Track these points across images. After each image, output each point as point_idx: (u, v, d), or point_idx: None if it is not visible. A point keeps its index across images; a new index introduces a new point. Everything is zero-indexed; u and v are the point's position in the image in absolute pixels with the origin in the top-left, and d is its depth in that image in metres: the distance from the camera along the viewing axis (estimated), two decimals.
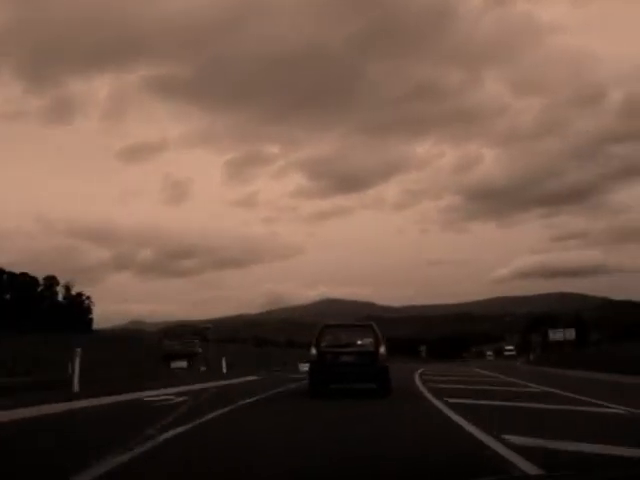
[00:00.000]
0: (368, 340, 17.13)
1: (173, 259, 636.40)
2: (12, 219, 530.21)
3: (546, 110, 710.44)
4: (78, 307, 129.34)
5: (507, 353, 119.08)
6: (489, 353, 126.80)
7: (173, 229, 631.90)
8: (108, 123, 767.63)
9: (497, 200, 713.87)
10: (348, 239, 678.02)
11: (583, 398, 14.91)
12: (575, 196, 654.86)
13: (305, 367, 26.74)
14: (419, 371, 39.46)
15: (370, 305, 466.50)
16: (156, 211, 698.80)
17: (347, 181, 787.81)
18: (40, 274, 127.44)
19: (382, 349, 16.81)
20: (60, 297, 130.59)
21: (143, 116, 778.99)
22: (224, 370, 39.09)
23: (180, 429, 9.22)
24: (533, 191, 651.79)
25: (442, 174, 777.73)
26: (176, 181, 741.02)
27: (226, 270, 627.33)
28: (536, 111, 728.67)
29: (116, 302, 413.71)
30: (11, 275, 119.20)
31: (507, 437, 7.69)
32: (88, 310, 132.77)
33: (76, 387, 19.02)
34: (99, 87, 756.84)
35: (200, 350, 36.60)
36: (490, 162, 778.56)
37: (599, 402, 13.52)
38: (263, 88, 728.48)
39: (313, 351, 16.97)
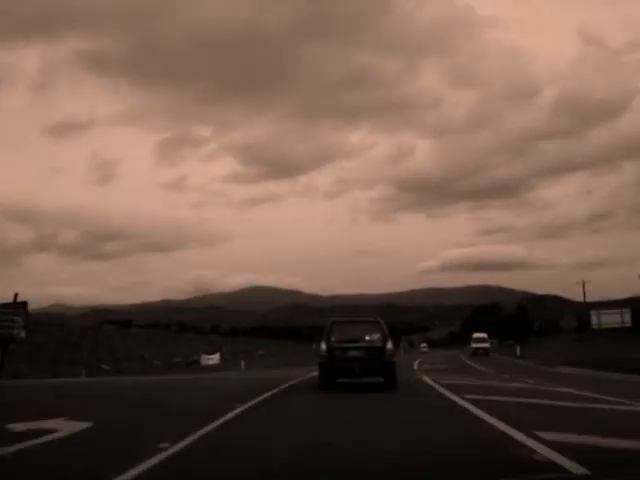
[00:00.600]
0: (376, 336, 17.72)
1: (98, 241, 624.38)
2: None
3: (479, 104, 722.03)
4: None
5: (422, 349, 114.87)
6: (423, 345, 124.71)
7: (99, 210, 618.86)
8: (35, 97, 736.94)
9: (428, 192, 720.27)
10: (278, 226, 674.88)
11: None
12: (503, 191, 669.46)
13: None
14: None
15: (297, 293, 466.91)
16: (82, 191, 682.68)
17: (279, 167, 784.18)
18: None
19: (389, 344, 17.69)
20: None
21: (73, 91, 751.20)
22: None
23: None
24: (463, 184, 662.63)
25: (375, 164, 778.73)
26: (104, 160, 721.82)
27: (152, 254, 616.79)
28: (470, 105, 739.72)
29: (36, 284, 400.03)
30: None
31: None
32: None
33: None
34: (26, 59, 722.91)
35: (23, 334, 19.87)
36: (423, 154, 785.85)
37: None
38: (198, 69, 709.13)
39: (323, 346, 17.62)
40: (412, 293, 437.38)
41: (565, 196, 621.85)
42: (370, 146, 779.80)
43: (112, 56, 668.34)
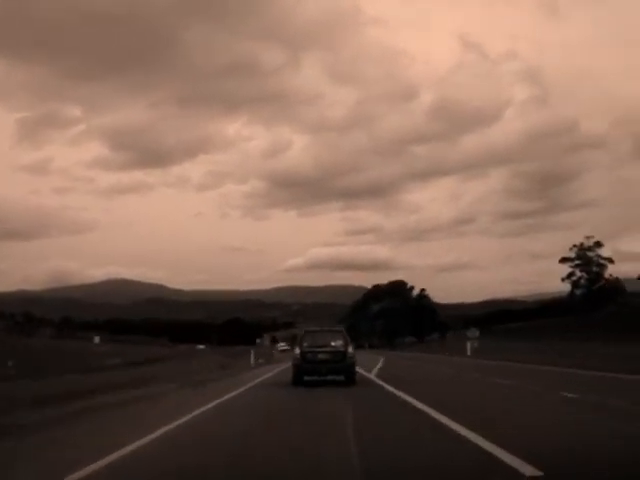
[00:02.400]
0: (339, 342, 21.94)
1: None
2: None
3: (358, 103, 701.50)
4: None
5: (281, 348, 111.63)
6: (281, 344, 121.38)
7: None
8: None
9: (300, 189, 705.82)
10: (145, 218, 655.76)
11: None
12: (374, 192, 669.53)
13: None
14: None
15: (160, 287, 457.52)
16: None
17: (151, 155, 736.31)
18: None
19: (350, 349, 21.72)
20: None
21: None
22: None
23: None
24: (336, 183, 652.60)
25: (249, 157, 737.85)
26: None
27: (7, 242, 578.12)
28: (349, 103, 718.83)
29: None
30: None
31: None
32: None
33: None
34: None
35: None
36: (298, 150, 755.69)
37: None
38: (72, 42, 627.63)
39: (297, 351, 22.08)
40: (277, 290, 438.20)
41: (433, 200, 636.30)
42: (246, 138, 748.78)
43: None
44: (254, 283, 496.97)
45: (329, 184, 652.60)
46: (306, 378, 21.74)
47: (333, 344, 22.00)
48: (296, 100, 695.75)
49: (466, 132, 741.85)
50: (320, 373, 21.71)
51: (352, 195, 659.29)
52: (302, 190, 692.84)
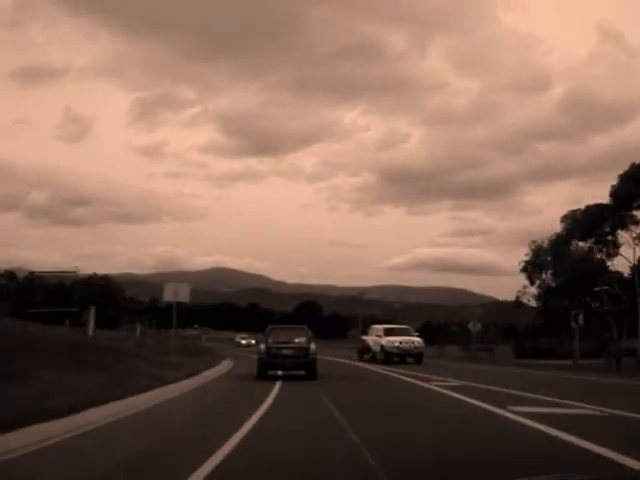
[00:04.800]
0: (303, 339, 23.45)
1: (67, 205, 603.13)
2: None
3: (482, 94, 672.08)
4: None
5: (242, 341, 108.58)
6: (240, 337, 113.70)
7: (69, 171, 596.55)
8: (6, 35, 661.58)
9: (412, 185, 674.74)
10: (254, 207, 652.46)
11: None
12: (489, 192, 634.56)
13: None
14: None
15: (262, 279, 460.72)
16: (52, 148, 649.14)
17: (264, 142, 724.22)
18: None
19: (313, 345, 23.33)
20: None
21: (46, 32, 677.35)
22: None
23: None
24: (450, 180, 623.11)
25: (364, 149, 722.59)
26: (76, 115, 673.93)
27: (121, 224, 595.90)
28: (472, 94, 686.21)
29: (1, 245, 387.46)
30: None
31: None
32: None
33: None
34: None
35: None
36: (415, 143, 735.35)
37: None
38: (188, 20, 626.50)
39: (262, 346, 23.54)
40: (378, 288, 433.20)
41: (551, 204, 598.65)
42: (362, 128, 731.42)
43: None
44: (355, 279, 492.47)
45: (443, 181, 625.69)
46: (270, 372, 23.02)
47: (297, 340, 23.47)
48: (417, 89, 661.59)
49: (597, 130, 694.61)
50: (284, 367, 23.15)
51: (465, 194, 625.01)
52: (414, 186, 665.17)
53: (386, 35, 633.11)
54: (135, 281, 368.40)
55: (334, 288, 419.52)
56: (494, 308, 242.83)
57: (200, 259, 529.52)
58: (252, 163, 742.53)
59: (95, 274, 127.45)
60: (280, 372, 23.02)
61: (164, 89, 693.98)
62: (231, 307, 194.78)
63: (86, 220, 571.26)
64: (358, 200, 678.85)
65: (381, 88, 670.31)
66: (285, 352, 22.99)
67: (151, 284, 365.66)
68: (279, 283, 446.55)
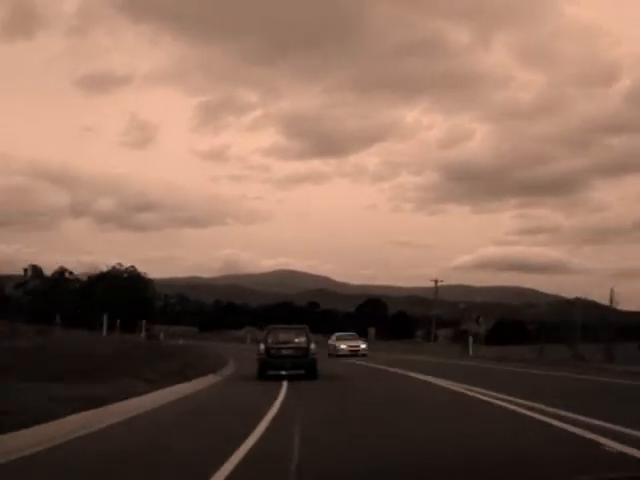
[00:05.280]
0: (302, 339, 23.43)
1: (133, 211, 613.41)
2: None
3: (548, 88, 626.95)
4: None
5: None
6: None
7: (134, 177, 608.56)
8: (72, 43, 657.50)
9: (477, 183, 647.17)
10: (318, 209, 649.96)
11: None
12: (556, 188, 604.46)
13: None
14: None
15: (326, 280, 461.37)
16: (118, 154, 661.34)
17: (327, 143, 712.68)
18: None
19: (312, 345, 23.34)
20: None
21: (110, 39, 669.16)
22: None
23: None
24: (515, 177, 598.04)
25: (427, 147, 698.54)
26: (141, 121, 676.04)
27: (185, 228, 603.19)
28: (538, 88, 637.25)
29: (71, 251, 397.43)
30: None
31: None
32: None
33: None
34: None
35: None
36: (479, 139, 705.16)
37: None
38: (248, 23, 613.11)
39: (262, 346, 23.42)
40: (443, 288, 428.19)
41: (621, 199, 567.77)
42: (425, 127, 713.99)
43: (155, 0, 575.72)
44: (419, 279, 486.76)
45: (508, 178, 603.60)
46: (270, 372, 23.08)
47: (296, 340, 23.58)
48: (481, 85, 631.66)
49: None
50: (284, 368, 23.14)
51: (531, 191, 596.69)
52: (478, 184, 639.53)
53: (448, 30, 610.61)
54: (200, 284, 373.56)
55: (398, 289, 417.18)
56: (556, 308, 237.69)
57: (264, 261, 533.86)
58: (315, 164, 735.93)
59: (119, 264, 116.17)
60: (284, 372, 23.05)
61: (226, 93, 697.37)
62: (289, 307, 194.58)
63: (152, 225, 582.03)
64: (421, 199, 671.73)
65: (444, 85, 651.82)
66: (285, 352, 23.20)
67: (216, 287, 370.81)
68: (343, 284, 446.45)
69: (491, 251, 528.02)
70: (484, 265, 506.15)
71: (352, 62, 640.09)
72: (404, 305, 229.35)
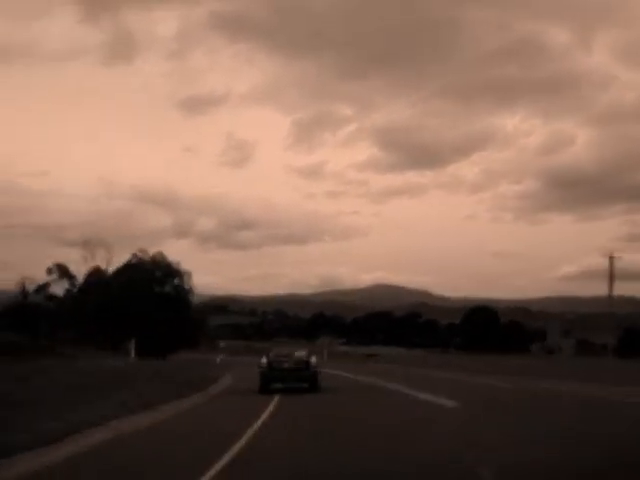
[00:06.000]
0: (303, 352, 24.69)
1: (231, 229, 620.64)
2: (70, 176, 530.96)
3: None
4: None
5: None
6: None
7: (233, 196, 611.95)
8: (169, 66, 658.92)
9: (579, 189, 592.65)
10: (415, 222, 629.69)
11: None
12: None
13: None
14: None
15: (425, 294, 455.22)
16: (217, 174, 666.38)
17: (423, 155, 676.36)
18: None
19: (313, 359, 24.30)
20: None
21: (207, 60, 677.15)
22: None
23: None
24: (620, 182, 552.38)
25: (526, 154, 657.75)
26: (239, 141, 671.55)
27: (284, 246, 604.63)
28: None
29: None
30: None
31: None
32: None
33: None
34: (161, 21, 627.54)
35: None
36: (581, 144, 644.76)
37: None
38: (340, 38, 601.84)
39: (264, 360, 24.22)
40: (547, 300, 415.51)
41: None
42: (524, 133, 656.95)
43: (249, 19, 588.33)
44: (521, 291, 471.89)
45: (614, 183, 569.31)
46: (272, 385, 23.82)
47: (297, 354, 24.32)
48: (583, 87, 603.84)
49: None
50: (286, 380, 23.86)
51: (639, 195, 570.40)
52: (581, 190, 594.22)
53: (546, 32, 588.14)
54: (300, 301, 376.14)
55: (499, 301, 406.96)
56: None
57: (362, 276, 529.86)
58: (411, 176, 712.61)
59: (142, 251, 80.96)
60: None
61: (321, 108, 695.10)
62: (388, 317, 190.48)
63: (251, 243, 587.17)
64: (522, 208, 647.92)
65: (543, 89, 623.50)
66: (286, 365, 23.84)
67: (314, 303, 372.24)
68: (441, 297, 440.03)
69: (596, 260, 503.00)
70: (589, 275, 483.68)
71: (446, 70, 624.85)
72: (506, 318, 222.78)
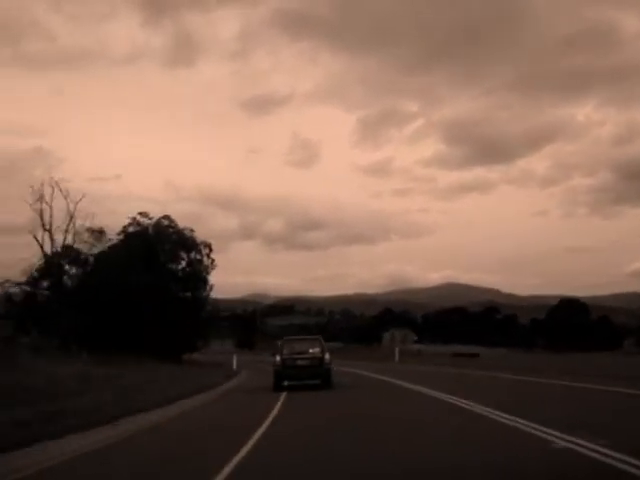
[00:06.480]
0: (317, 349, 24.32)
1: (298, 230, 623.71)
2: (136, 179, 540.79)
3: None
4: None
5: None
6: None
7: (300, 196, 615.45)
8: (231, 67, 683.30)
9: None
10: (484, 218, 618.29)
11: None
12: None
13: None
14: None
15: (494, 292, 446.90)
16: (283, 174, 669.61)
17: (492, 149, 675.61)
18: None
19: (327, 355, 24.13)
20: None
21: (270, 60, 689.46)
22: None
23: None
24: None
25: (599, 146, 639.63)
26: (304, 140, 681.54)
27: (351, 246, 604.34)
28: None
29: (240, 272, 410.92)
30: None
31: None
32: None
33: None
34: (223, 21, 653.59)
35: None
36: None
37: None
38: (403, 32, 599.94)
39: (277, 358, 24.37)
40: (622, 296, 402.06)
41: None
42: (597, 123, 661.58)
43: (312, 17, 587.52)
44: (593, 287, 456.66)
45: None
46: (286, 383, 23.67)
47: (311, 351, 23.98)
48: None
49: None
50: (299, 378, 23.76)
51: None
52: None
53: (618, 19, 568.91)
54: (367, 300, 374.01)
55: (569, 298, 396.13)
56: None
57: (430, 275, 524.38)
58: (480, 172, 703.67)
59: (144, 215, 59.90)
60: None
61: (386, 104, 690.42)
62: (462, 313, 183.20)
63: (319, 243, 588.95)
64: (595, 202, 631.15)
65: (616, 77, 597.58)
66: (300, 363, 23.67)
67: (382, 302, 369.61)
68: (511, 296, 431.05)
69: None
70: None
71: (514, 60, 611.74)
72: (581, 314, 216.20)
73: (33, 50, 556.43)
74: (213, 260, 60.65)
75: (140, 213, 58.21)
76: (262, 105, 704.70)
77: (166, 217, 59.19)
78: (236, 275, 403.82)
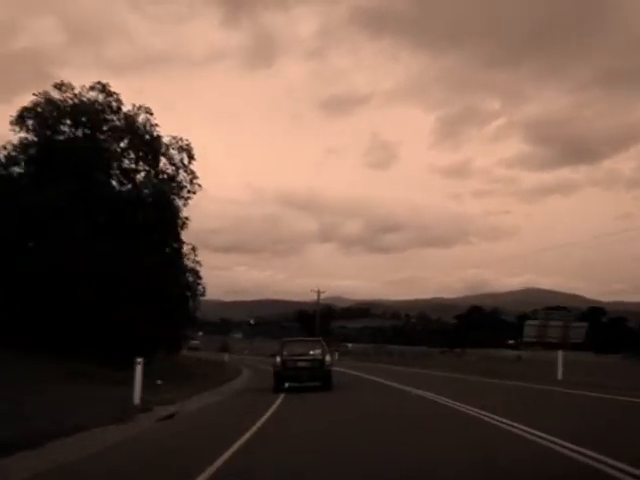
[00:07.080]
0: (318, 351, 23.95)
1: (376, 232, 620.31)
2: (216, 181, 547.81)
3: None
4: None
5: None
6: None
7: (378, 198, 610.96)
8: (311, 65, 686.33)
9: None
10: (567, 221, 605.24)
11: None
12: None
13: None
14: None
15: (577, 298, 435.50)
16: (361, 176, 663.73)
17: (577, 148, 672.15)
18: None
19: (327, 357, 24.02)
20: None
21: (349, 58, 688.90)
22: None
23: None
24: None
25: None
26: (383, 141, 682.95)
27: (429, 249, 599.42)
28: None
29: (319, 275, 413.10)
30: None
31: None
32: None
33: None
34: (301, 19, 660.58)
35: None
36: None
37: None
38: (484, 27, 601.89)
39: (277, 359, 23.90)
40: None
41: None
42: None
43: (391, 14, 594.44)
44: None
45: None
46: (286, 384, 23.82)
47: (312, 353, 23.92)
48: None
49: None
50: (299, 379, 23.71)
51: None
52: None
53: None
54: (444, 305, 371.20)
55: None
56: None
57: (509, 280, 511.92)
58: (564, 173, 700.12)
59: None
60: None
61: (466, 102, 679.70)
62: None
63: (396, 246, 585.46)
64: None
65: None
66: (300, 364, 23.54)
67: (460, 307, 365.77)
68: (594, 302, 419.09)
69: None
70: None
71: (601, 54, 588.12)
72: None
73: (113, 53, 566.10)
74: (195, 176, 35.36)
75: (56, 85, 33.13)
76: (340, 105, 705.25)
77: (104, 88, 33.71)
78: (313, 278, 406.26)
